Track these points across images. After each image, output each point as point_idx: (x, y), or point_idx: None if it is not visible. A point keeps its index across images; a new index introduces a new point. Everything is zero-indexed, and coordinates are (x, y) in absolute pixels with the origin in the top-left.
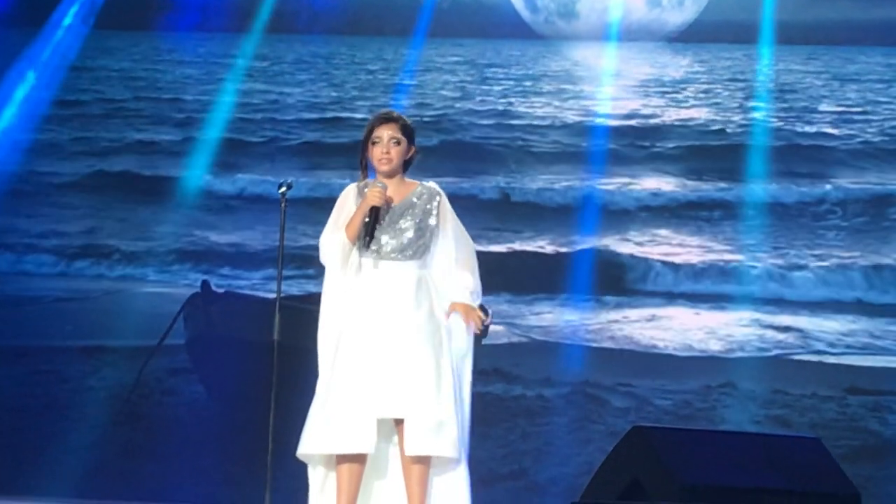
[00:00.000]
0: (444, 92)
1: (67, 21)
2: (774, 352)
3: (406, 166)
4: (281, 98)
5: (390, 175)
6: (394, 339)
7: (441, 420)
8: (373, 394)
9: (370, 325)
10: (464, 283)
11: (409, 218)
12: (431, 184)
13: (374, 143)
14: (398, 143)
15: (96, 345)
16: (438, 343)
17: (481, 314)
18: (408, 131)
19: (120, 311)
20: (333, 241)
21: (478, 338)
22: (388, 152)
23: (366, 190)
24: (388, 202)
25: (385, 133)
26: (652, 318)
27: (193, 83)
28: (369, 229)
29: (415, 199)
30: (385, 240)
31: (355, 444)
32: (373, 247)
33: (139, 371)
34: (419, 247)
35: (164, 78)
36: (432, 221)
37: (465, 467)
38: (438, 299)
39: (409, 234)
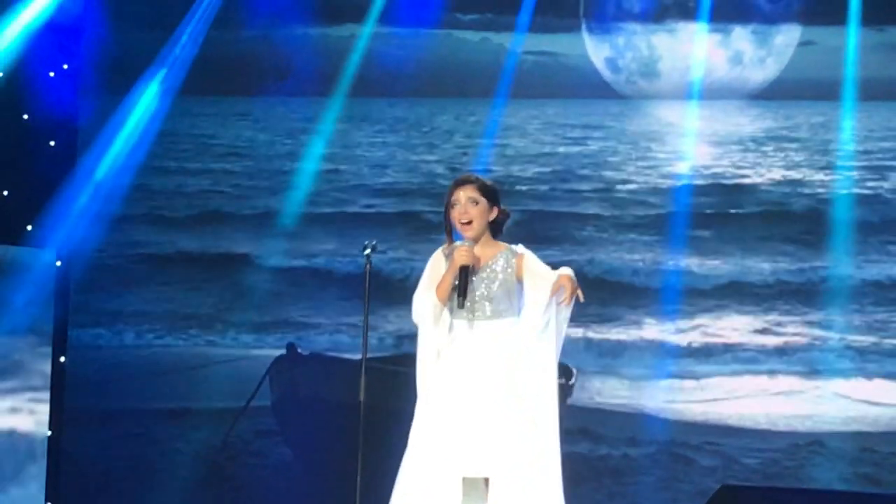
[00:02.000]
0: (525, 153)
1: (153, 88)
2: (861, 425)
3: (495, 228)
4: (363, 164)
5: (475, 237)
6: (481, 398)
7: (529, 478)
8: (459, 452)
9: (459, 383)
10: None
11: (494, 279)
12: (518, 246)
13: (453, 206)
14: (476, 202)
15: (184, 407)
16: (526, 403)
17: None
18: (488, 192)
19: (207, 374)
20: (425, 301)
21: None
22: (466, 212)
23: (453, 251)
24: (477, 262)
25: (462, 195)
26: (737, 395)
27: (278, 148)
28: (462, 289)
29: (500, 260)
30: (473, 300)
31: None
32: (464, 307)
33: (226, 433)
34: (507, 306)
35: (248, 145)
36: (512, 278)
37: None
38: (529, 359)
39: (495, 294)
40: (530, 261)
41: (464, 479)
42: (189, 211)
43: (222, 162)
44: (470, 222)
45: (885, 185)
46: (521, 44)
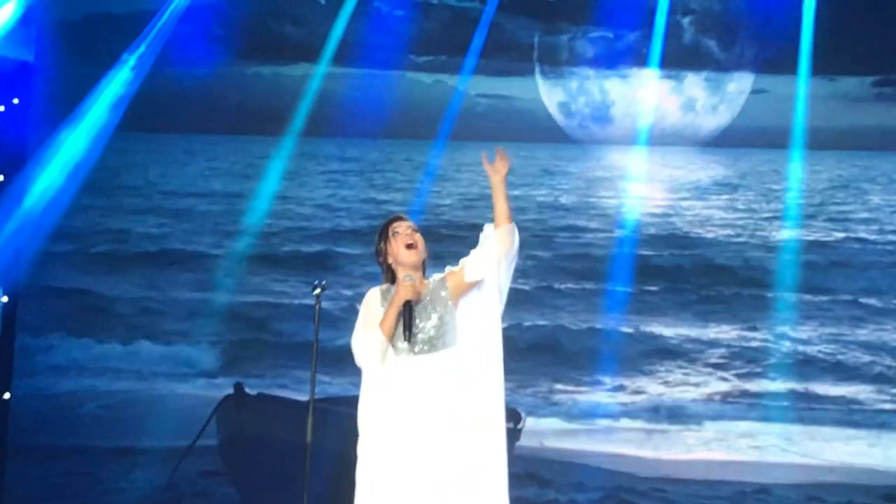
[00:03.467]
0: (475, 196)
1: (92, 121)
2: (808, 475)
3: (423, 268)
4: (315, 204)
5: (417, 266)
6: (435, 433)
7: None
8: (419, 489)
9: (410, 419)
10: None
11: (432, 312)
12: (437, 274)
13: (394, 236)
14: (417, 230)
15: (128, 446)
16: (479, 434)
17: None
18: (418, 228)
19: (152, 412)
20: (370, 340)
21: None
22: (411, 236)
23: (397, 286)
24: (419, 294)
25: (402, 224)
26: (685, 442)
27: (224, 188)
28: (407, 323)
29: (432, 290)
30: (420, 337)
31: None
32: (407, 342)
33: (171, 473)
34: (448, 335)
35: (194, 183)
36: (448, 300)
37: None
38: (476, 386)
39: (435, 325)
40: (457, 267)
41: None
42: (137, 250)
43: (172, 201)
44: (415, 245)
45: (839, 235)
46: (474, 86)
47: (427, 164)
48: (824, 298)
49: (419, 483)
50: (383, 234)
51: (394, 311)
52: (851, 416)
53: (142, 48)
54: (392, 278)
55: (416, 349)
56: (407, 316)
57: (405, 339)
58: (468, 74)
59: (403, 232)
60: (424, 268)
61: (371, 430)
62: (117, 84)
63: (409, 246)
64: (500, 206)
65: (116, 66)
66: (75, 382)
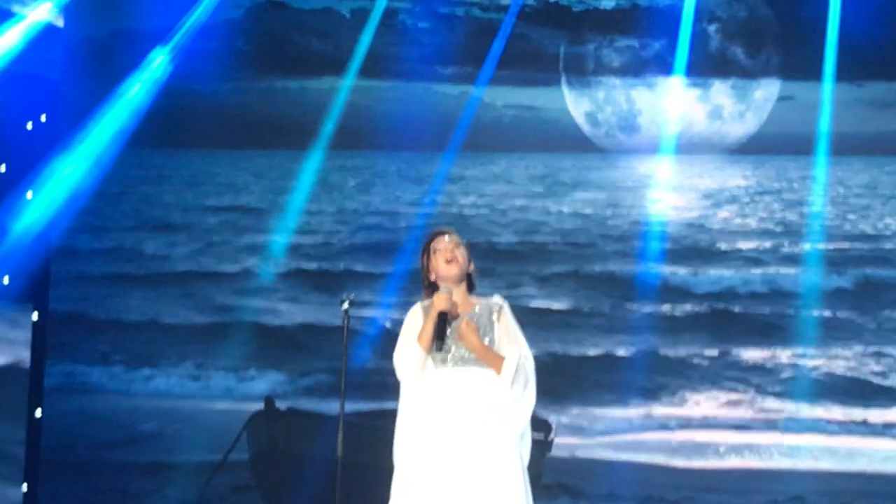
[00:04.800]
0: (504, 208)
1: (116, 136)
2: (840, 482)
3: (469, 283)
4: (344, 218)
5: (458, 280)
6: (471, 447)
7: None
8: (449, 496)
9: (448, 432)
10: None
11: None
12: (495, 297)
13: (435, 253)
14: (458, 245)
15: (160, 461)
16: (513, 449)
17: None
18: (464, 244)
19: (184, 428)
20: (409, 353)
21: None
22: (451, 252)
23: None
24: (455, 307)
25: (445, 238)
26: (716, 451)
27: (250, 203)
28: (440, 334)
29: (479, 314)
30: (454, 350)
31: None
32: (444, 356)
33: (202, 488)
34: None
35: (220, 199)
36: (496, 332)
37: None
38: (499, 416)
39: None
40: (507, 316)
41: None
42: (166, 268)
43: (197, 217)
44: (455, 260)
45: (871, 245)
46: (501, 97)
47: (453, 175)
48: (857, 312)
49: (450, 491)
50: (426, 250)
51: (431, 323)
52: (888, 428)
53: (166, 63)
54: (433, 294)
55: (455, 363)
56: (440, 326)
57: (437, 349)
58: (494, 85)
59: (444, 248)
60: (471, 280)
61: (409, 442)
62: (141, 99)
63: (449, 261)
64: (488, 363)
65: (141, 82)
66: (106, 400)
